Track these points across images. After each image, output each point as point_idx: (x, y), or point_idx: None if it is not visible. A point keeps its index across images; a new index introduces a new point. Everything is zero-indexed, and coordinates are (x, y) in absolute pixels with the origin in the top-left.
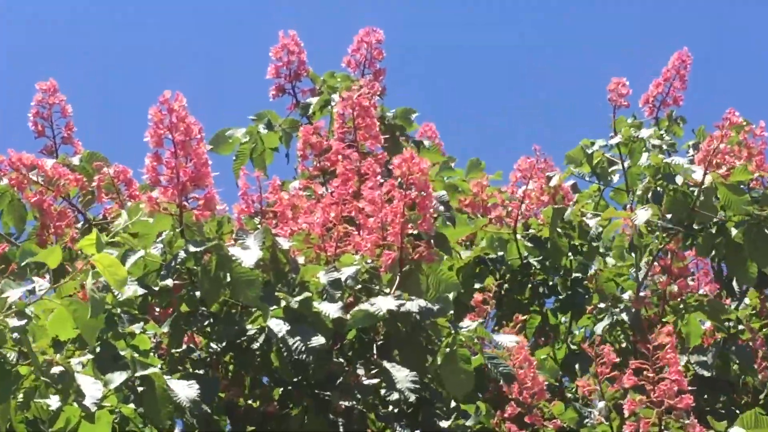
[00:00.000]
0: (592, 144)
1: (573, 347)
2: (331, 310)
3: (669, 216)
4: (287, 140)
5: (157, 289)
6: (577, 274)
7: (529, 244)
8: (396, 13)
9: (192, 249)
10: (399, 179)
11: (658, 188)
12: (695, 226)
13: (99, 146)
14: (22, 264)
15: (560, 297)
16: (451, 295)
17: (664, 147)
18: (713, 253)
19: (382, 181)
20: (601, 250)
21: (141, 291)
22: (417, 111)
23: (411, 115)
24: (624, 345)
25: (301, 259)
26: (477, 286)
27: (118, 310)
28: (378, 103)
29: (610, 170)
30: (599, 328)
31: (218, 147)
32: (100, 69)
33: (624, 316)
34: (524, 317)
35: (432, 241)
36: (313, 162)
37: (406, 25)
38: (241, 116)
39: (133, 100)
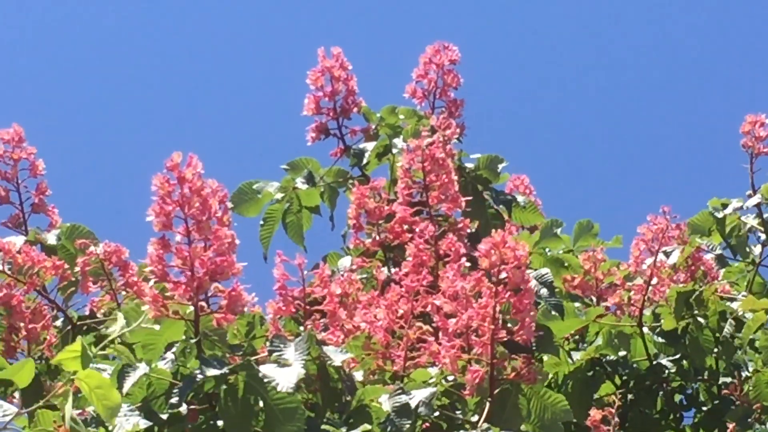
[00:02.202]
0: (724, 206)
1: None
2: None
3: None
4: (332, 198)
5: (165, 417)
6: (727, 379)
7: (660, 340)
8: (471, 32)
9: (211, 372)
10: (488, 271)
11: None
12: None
13: (82, 216)
14: None
15: (704, 409)
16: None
17: None
18: None
19: (468, 265)
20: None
21: (144, 423)
22: (505, 160)
23: (498, 165)
24: None
25: (358, 374)
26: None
27: None
28: (455, 149)
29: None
30: None
31: (241, 206)
32: (81, 110)
33: None
34: None
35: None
36: (370, 233)
37: (484, 48)
38: (271, 167)
39: (128, 152)
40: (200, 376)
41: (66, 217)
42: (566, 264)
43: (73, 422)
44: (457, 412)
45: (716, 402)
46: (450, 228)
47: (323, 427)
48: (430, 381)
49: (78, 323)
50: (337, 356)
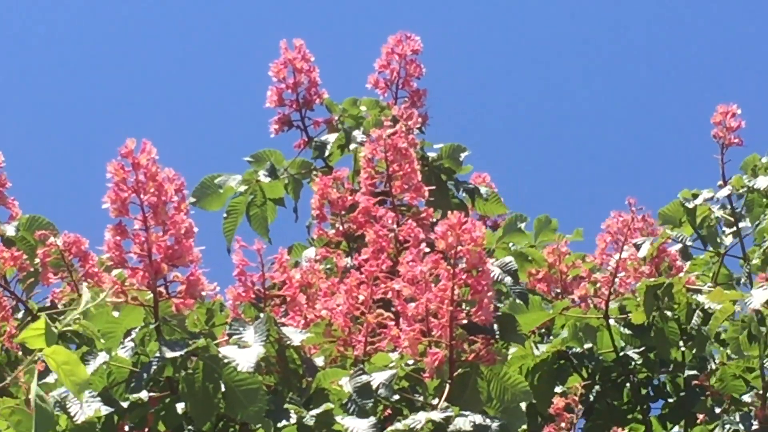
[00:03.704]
0: (695, 197)
1: None
2: (360, 426)
3: None
4: (296, 190)
5: (126, 404)
6: (693, 372)
7: (627, 331)
8: (435, 26)
9: (169, 354)
10: (446, 253)
11: None
12: None
13: (42, 208)
14: None
15: (670, 400)
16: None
17: None
18: None
19: (428, 250)
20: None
21: (105, 409)
22: (468, 149)
23: (461, 154)
24: None
25: (319, 360)
26: (558, 389)
27: None
28: (418, 138)
29: (726, 230)
30: None
31: (204, 200)
32: (41, 102)
33: (741, 427)
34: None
35: (496, 327)
36: (334, 224)
37: (449, 41)
38: (233, 160)
39: (88, 145)
40: (159, 360)
41: (26, 209)
42: (530, 258)
43: (39, 399)
44: (417, 396)
45: (682, 394)
46: (413, 217)
47: (286, 405)
48: (390, 365)
49: (39, 314)
50: (296, 336)
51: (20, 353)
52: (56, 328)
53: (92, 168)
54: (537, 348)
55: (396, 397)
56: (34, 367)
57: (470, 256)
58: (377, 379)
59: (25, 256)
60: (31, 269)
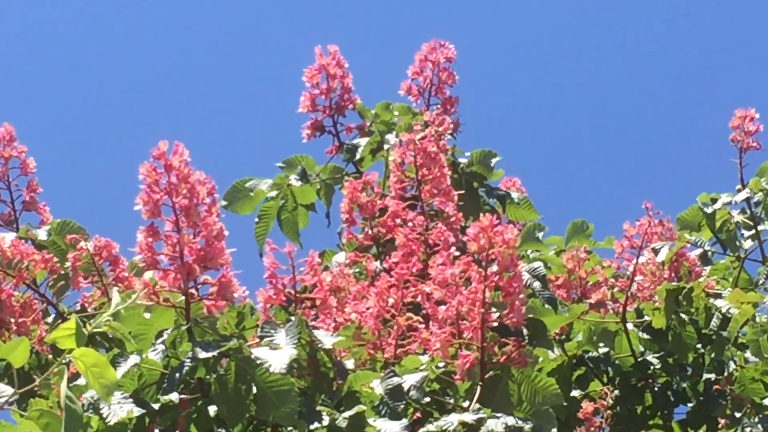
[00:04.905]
0: (713, 201)
1: None
2: (392, 428)
3: None
4: (328, 195)
5: (157, 406)
6: (711, 375)
7: (645, 336)
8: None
9: (202, 355)
10: (476, 255)
11: None
12: None
13: (73, 213)
14: None
15: (690, 405)
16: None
17: None
18: None
19: (457, 254)
20: (741, 340)
21: (137, 411)
22: (499, 155)
23: (492, 160)
24: None
25: (349, 363)
26: (575, 393)
27: None
28: (449, 144)
29: (746, 234)
30: None
31: (235, 204)
32: (72, 107)
33: (761, 428)
34: None
35: (525, 331)
36: (364, 228)
37: (476, 50)
38: (266, 164)
39: (119, 149)
40: (191, 361)
41: (57, 214)
42: (549, 265)
43: (68, 400)
44: (448, 398)
45: (701, 398)
46: (443, 222)
47: (318, 408)
48: (421, 367)
49: (69, 316)
50: (327, 339)
51: (50, 356)
52: (87, 329)
53: (123, 173)
54: (553, 351)
55: (427, 399)
56: (64, 368)
57: (502, 259)
58: (408, 381)
59: (56, 260)
60: (62, 273)
